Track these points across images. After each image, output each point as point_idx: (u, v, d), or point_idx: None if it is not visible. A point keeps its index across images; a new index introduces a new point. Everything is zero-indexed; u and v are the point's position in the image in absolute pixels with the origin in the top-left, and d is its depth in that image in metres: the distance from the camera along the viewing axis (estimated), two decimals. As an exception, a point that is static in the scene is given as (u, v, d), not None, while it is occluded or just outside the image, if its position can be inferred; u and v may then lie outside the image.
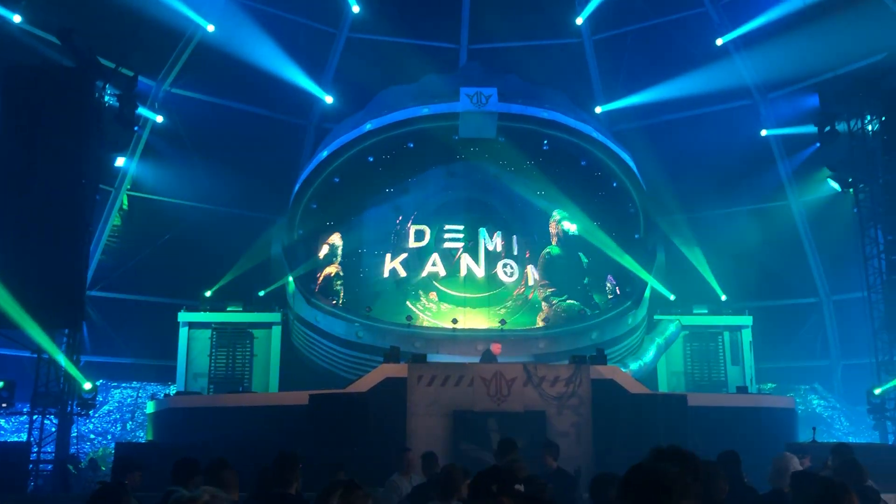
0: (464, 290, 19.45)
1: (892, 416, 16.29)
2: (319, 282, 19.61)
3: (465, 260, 19.70)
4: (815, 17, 17.03)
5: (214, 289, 19.82)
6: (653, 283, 19.29)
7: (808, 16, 17.01)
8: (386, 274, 19.61)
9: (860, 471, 5.98)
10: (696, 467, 3.08)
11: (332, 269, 19.75)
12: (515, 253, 19.98)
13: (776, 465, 6.24)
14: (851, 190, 18.01)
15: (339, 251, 19.92)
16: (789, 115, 20.56)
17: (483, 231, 19.96)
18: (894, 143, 16.66)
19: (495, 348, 15.02)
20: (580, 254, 19.99)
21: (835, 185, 18.80)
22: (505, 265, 19.75)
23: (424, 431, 12.83)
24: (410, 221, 20.08)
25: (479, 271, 19.61)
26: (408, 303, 19.14)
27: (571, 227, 20.01)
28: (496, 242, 19.98)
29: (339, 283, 19.77)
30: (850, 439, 18.43)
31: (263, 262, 20.17)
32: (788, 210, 21.36)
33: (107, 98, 16.53)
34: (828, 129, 17.93)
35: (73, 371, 15.19)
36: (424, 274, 19.53)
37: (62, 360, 15.31)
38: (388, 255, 19.72)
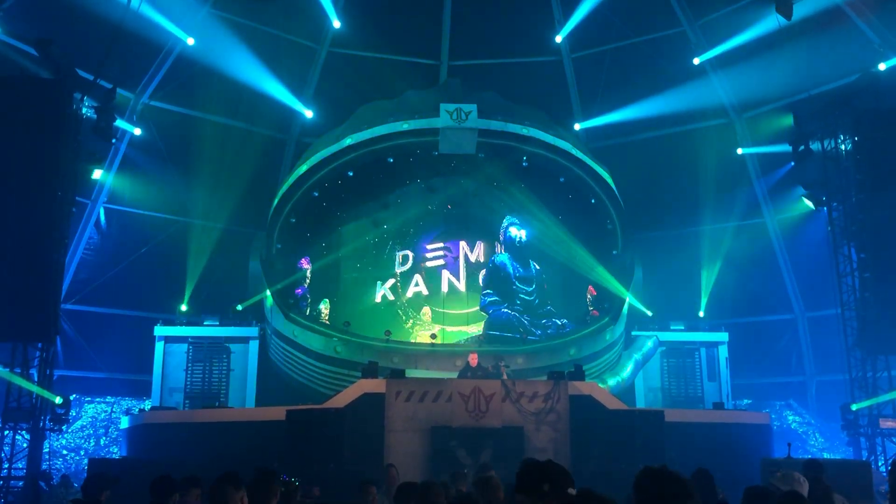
0: (445, 307, 19.55)
1: (866, 431, 16.46)
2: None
3: (446, 275, 19.78)
4: (789, 39, 17.30)
5: (186, 300, 19.73)
6: (630, 299, 19.42)
7: (783, 37, 17.26)
8: (378, 299, 19.83)
9: (824, 488, 6.02)
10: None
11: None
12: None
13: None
14: (825, 208, 18.28)
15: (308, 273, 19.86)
16: (764, 134, 20.85)
17: (463, 245, 20.07)
18: (867, 162, 16.93)
19: (472, 359, 15.05)
20: (531, 262, 20.06)
21: (809, 204, 19.09)
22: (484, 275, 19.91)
23: (402, 447, 12.79)
24: (396, 248, 20.20)
25: (461, 285, 19.71)
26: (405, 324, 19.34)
27: (520, 234, 20.02)
28: (477, 254, 20.10)
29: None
30: (825, 455, 18.62)
31: (241, 276, 20.06)
32: (764, 227, 21.63)
33: (84, 110, 16.40)
34: (802, 148, 18.22)
35: (38, 389, 14.92)
36: (409, 295, 19.75)
37: (35, 374, 15.08)
38: (379, 283, 19.95)
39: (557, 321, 19.41)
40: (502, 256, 19.96)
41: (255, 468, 5.57)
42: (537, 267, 20.09)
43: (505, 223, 20.24)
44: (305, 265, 19.64)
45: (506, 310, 19.17)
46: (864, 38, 18.03)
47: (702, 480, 6.03)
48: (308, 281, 19.55)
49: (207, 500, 4.70)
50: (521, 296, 19.65)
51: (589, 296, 20.02)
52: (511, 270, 19.72)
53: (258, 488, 4.81)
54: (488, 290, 19.56)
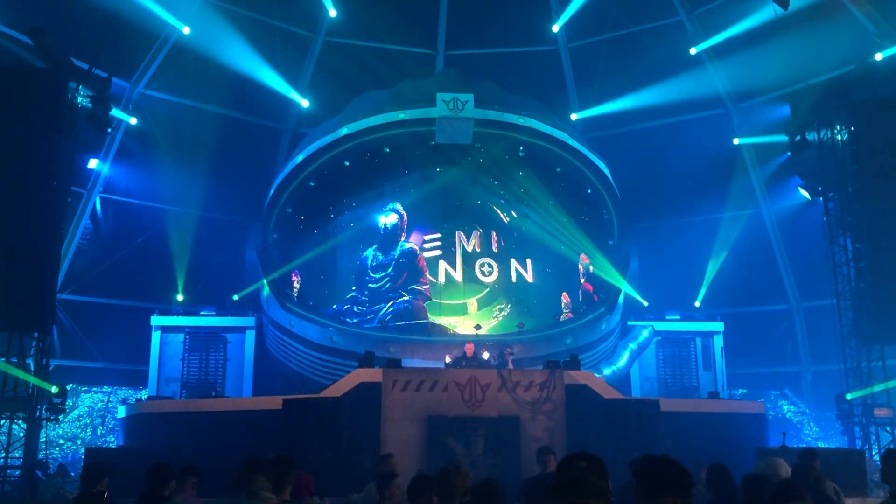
0: (442, 297, 19.54)
1: (860, 420, 16.54)
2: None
3: (443, 265, 19.77)
4: (786, 29, 17.28)
5: (180, 289, 19.75)
6: (626, 288, 19.45)
7: (780, 27, 17.23)
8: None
9: (816, 475, 6.04)
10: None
11: None
12: (495, 249, 20.09)
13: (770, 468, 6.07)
14: (821, 198, 18.29)
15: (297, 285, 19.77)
16: (761, 124, 20.86)
17: (460, 234, 20.05)
18: (863, 152, 16.92)
19: (468, 349, 15.06)
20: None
21: (805, 194, 19.09)
22: (482, 265, 19.86)
23: (399, 436, 12.80)
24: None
25: (457, 275, 19.70)
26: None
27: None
28: (474, 243, 20.09)
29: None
30: (819, 444, 18.70)
31: (238, 266, 20.05)
32: (760, 218, 21.65)
33: (80, 99, 16.34)
34: (798, 138, 18.21)
35: (34, 379, 14.92)
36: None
37: (31, 364, 15.08)
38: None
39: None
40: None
41: (248, 458, 5.58)
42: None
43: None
44: (294, 278, 19.61)
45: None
46: (860, 27, 18.01)
47: (719, 474, 5.98)
48: (296, 294, 19.47)
49: (234, 485, 4.74)
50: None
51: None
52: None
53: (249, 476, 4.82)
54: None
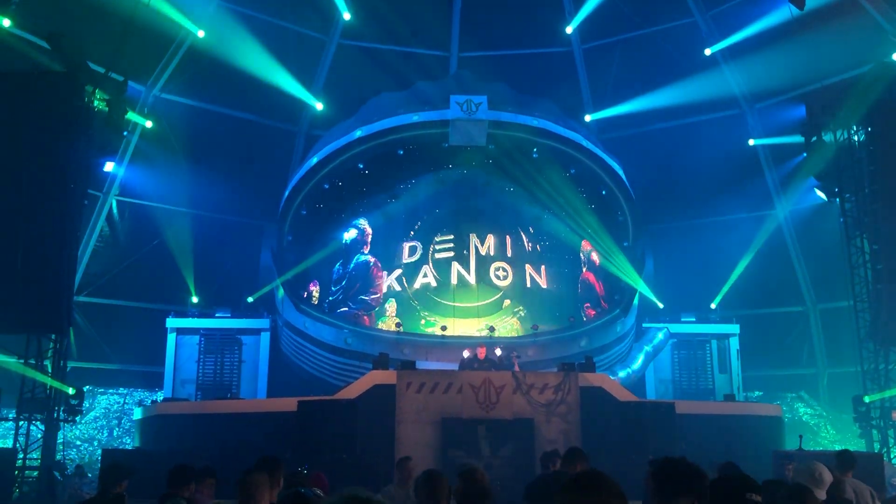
0: (455, 299, 19.51)
1: (878, 424, 16.40)
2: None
3: (456, 267, 19.74)
4: (802, 29, 17.17)
5: (193, 291, 19.88)
6: (642, 289, 19.38)
7: (796, 27, 17.13)
8: (384, 289, 19.71)
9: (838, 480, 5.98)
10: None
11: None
12: (509, 255, 20.05)
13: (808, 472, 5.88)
14: (838, 200, 18.15)
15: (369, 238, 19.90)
16: (776, 125, 20.74)
17: (473, 237, 20.02)
18: (880, 153, 16.79)
19: (481, 351, 15.05)
20: (357, 256, 19.95)
21: (821, 195, 18.95)
22: (497, 269, 19.82)
23: (413, 438, 12.83)
24: (403, 239, 20.13)
25: (471, 278, 19.66)
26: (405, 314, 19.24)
27: (348, 236, 19.90)
28: (488, 246, 20.04)
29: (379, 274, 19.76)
30: (836, 447, 18.54)
31: (252, 267, 20.13)
32: (776, 219, 21.51)
33: (96, 103, 16.43)
34: (814, 139, 18.08)
35: (51, 381, 15.03)
36: (417, 286, 19.65)
37: (48, 365, 15.21)
38: (385, 273, 19.81)
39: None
40: (336, 265, 20.03)
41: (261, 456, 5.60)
42: (361, 259, 19.85)
43: None
44: (313, 288, 19.65)
45: (343, 310, 19.29)
46: (877, 27, 17.85)
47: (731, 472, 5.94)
48: (315, 301, 19.55)
49: (238, 490, 4.73)
50: (329, 297, 19.75)
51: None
52: (333, 276, 19.90)
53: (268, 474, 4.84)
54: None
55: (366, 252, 19.94)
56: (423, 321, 19.29)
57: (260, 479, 4.63)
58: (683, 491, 3.12)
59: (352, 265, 19.89)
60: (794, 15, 16.15)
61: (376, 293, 19.57)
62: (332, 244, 20.11)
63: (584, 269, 20.19)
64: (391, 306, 19.53)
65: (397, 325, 17.99)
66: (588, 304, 19.97)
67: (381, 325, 18.95)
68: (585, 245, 20.20)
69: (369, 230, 20.05)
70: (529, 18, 22.48)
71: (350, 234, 19.97)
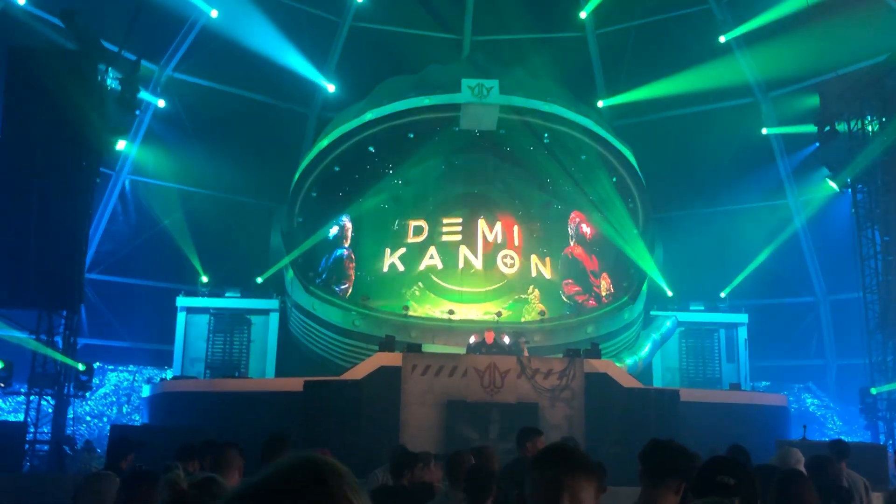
0: (461, 284, 19.51)
1: (884, 416, 16.37)
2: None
3: (463, 251, 19.72)
4: (817, 17, 17.01)
5: (201, 270, 20.01)
6: (654, 275, 19.34)
7: (811, 15, 16.98)
8: (385, 268, 19.70)
9: (826, 466, 5.99)
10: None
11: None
12: (517, 244, 20.03)
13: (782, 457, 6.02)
14: (850, 190, 18.04)
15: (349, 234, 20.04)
16: (790, 114, 20.58)
17: (482, 223, 19.99)
18: (893, 143, 16.66)
19: (488, 336, 15.08)
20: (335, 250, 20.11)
21: (833, 185, 18.83)
22: (504, 256, 19.81)
23: (417, 420, 12.92)
24: (409, 216, 20.14)
25: (478, 263, 19.65)
26: (407, 295, 19.21)
27: (332, 231, 19.96)
28: (496, 233, 20.01)
29: (351, 265, 19.88)
30: (843, 438, 18.51)
31: (262, 248, 20.24)
32: (787, 209, 21.40)
33: (109, 81, 16.51)
34: (827, 128, 17.97)
35: (61, 357, 15.20)
36: (422, 267, 19.59)
37: (59, 342, 15.39)
38: (388, 250, 19.79)
39: None
40: (322, 259, 20.20)
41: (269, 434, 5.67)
42: (338, 253, 19.87)
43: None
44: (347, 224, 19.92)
45: None
46: (893, 16, 17.64)
47: (740, 455, 5.96)
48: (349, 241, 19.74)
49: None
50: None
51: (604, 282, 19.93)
52: (319, 269, 20.05)
53: (269, 453, 4.91)
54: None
55: (346, 245, 20.04)
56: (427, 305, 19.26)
57: (231, 454, 4.68)
58: (671, 473, 3.15)
59: (331, 259, 20.00)
60: (809, 3, 16.00)
61: (344, 284, 19.62)
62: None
63: (571, 243, 20.08)
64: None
65: (404, 308, 18.04)
66: (570, 281, 19.87)
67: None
68: (574, 217, 20.11)
69: (349, 225, 20.12)
70: (543, 2, 22.37)
71: (332, 231, 20.04)
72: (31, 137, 15.10)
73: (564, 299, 19.67)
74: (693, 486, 3.18)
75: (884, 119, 17.01)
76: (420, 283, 19.48)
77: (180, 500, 3.19)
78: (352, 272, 19.86)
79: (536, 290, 19.60)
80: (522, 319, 18.69)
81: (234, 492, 1.34)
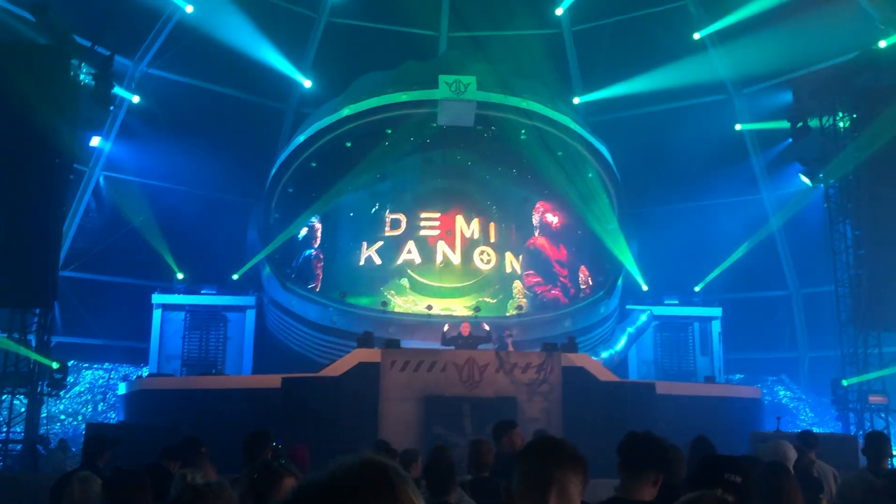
0: (439, 280, 19.55)
1: (855, 407, 16.64)
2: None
3: (441, 246, 19.77)
4: (790, 15, 17.24)
5: (175, 267, 19.85)
6: (631, 269, 19.50)
7: (784, 13, 17.20)
8: (362, 262, 19.64)
9: (809, 459, 6.10)
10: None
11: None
12: (493, 240, 20.09)
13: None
14: (822, 185, 18.31)
15: (319, 234, 20.01)
16: (763, 110, 20.82)
17: (460, 218, 20.04)
18: (865, 139, 16.92)
19: (464, 328, 15.14)
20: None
21: (806, 180, 19.07)
22: (482, 252, 19.86)
23: (396, 416, 12.95)
24: (387, 210, 20.12)
25: (456, 258, 19.70)
26: (385, 291, 19.20)
27: (301, 233, 20.14)
28: (473, 230, 20.06)
29: (319, 265, 19.87)
30: (815, 429, 18.79)
31: (238, 245, 20.13)
32: (761, 203, 21.66)
33: (82, 77, 16.32)
34: (800, 124, 18.18)
35: (35, 355, 15.02)
36: (399, 262, 19.58)
37: (33, 340, 15.20)
38: (365, 244, 19.74)
39: None
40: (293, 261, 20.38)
41: (249, 431, 5.67)
42: (307, 253, 20.09)
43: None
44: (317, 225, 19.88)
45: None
46: (864, 15, 17.92)
47: (701, 447, 6.05)
48: (318, 241, 19.72)
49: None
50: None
51: (581, 275, 20.04)
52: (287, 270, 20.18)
53: (251, 449, 4.91)
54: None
55: (315, 246, 20.04)
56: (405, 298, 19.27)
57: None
58: (648, 464, 3.19)
59: (301, 259, 19.99)
60: (782, 1, 16.20)
61: (313, 283, 19.61)
62: (325, 222, 20.17)
63: (535, 234, 20.18)
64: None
65: (382, 303, 18.06)
66: (531, 272, 19.95)
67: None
68: (539, 207, 20.22)
69: (318, 226, 20.18)
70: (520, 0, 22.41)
71: (302, 232, 20.03)
72: (2, 133, 14.89)
73: (525, 291, 19.71)
74: (696, 481, 3.11)
75: (855, 115, 17.27)
76: (398, 279, 19.48)
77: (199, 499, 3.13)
78: (320, 271, 19.89)
79: (520, 285, 19.70)
80: (508, 314, 18.78)
81: (302, 487, 1.34)
